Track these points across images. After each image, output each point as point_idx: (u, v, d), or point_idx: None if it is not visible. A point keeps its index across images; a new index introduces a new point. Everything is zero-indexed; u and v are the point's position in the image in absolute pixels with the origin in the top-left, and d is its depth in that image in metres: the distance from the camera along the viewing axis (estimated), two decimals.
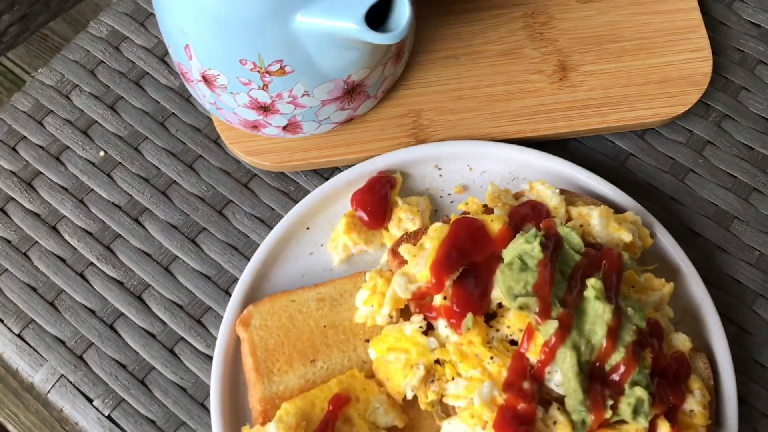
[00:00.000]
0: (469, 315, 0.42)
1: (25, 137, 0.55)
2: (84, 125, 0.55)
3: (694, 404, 0.42)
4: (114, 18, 0.59)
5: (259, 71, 0.44)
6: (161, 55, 0.58)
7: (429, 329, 0.44)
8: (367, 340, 0.45)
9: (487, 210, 0.47)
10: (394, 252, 0.46)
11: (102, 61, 0.58)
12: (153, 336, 0.50)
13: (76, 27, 1.27)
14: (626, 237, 0.45)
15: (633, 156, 0.53)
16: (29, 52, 1.25)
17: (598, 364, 0.40)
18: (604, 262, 0.43)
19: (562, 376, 0.39)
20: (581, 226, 0.45)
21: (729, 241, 0.50)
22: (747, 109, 0.54)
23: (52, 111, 0.56)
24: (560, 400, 0.40)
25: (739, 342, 0.48)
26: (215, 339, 0.48)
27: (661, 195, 0.52)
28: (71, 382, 0.49)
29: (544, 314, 0.40)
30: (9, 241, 0.51)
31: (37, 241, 0.52)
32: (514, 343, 0.42)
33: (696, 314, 0.46)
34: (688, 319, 0.46)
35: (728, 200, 0.51)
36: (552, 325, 0.39)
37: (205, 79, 0.47)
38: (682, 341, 0.43)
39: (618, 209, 0.47)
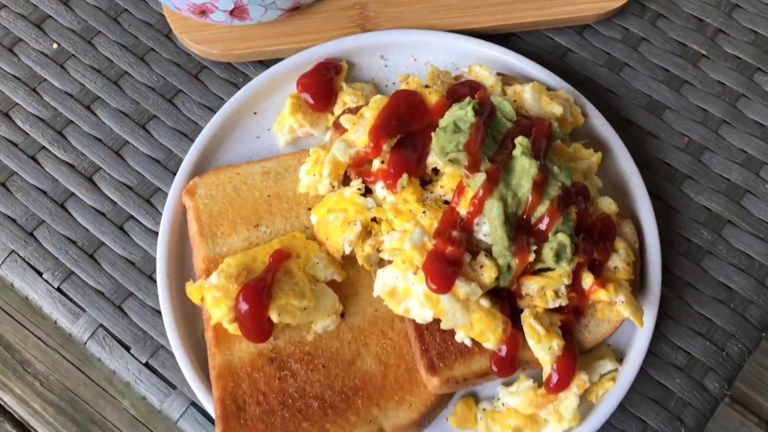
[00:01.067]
0: (405, 175, 0.44)
1: None
2: (37, 19, 0.56)
3: (618, 261, 0.44)
4: None
5: None
6: None
7: (367, 193, 0.46)
8: (309, 209, 0.47)
9: (427, 87, 0.48)
10: (337, 125, 0.48)
11: None
12: (103, 214, 0.51)
13: None
14: (557, 110, 0.47)
15: (571, 51, 0.55)
16: None
17: (524, 216, 0.42)
18: (534, 128, 0.45)
19: (489, 226, 0.41)
20: (515, 101, 0.47)
21: (660, 128, 0.53)
22: (680, 9, 0.56)
23: (5, 6, 0.57)
24: (488, 251, 0.42)
25: (667, 218, 0.50)
26: (162, 215, 0.50)
27: (597, 86, 0.54)
28: (21, 257, 0.51)
29: (473, 168, 0.42)
30: None
31: None
32: (446, 203, 0.44)
33: (625, 189, 0.49)
34: (618, 194, 0.48)
35: (661, 91, 0.54)
36: (480, 177, 0.41)
37: None
38: (608, 204, 0.45)
39: (552, 88, 0.50)
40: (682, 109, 0.54)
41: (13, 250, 0.50)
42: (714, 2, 0.57)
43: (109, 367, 0.49)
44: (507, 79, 0.50)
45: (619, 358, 0.45)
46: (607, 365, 0.44)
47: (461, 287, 0.40)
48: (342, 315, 0.46)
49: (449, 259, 0.40)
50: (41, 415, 1.07)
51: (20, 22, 0.56)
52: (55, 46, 0.55)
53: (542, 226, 0.42)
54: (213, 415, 0.45)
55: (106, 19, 0.56)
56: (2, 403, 1.07)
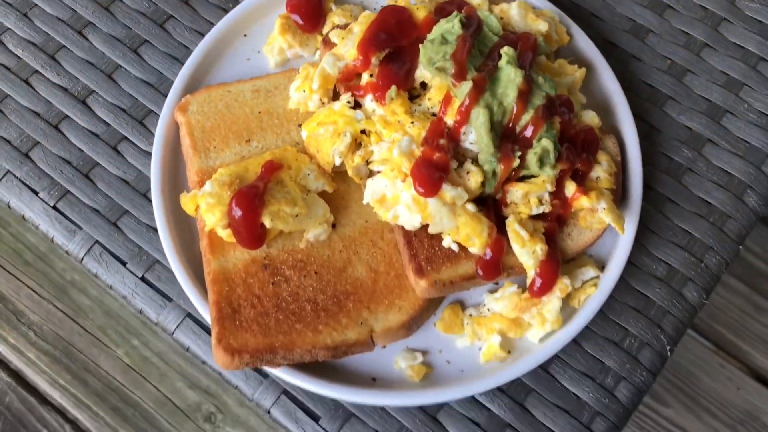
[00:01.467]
0: (393, 87, 0.45)
1: None
2: None
3: (600, 172, 0.46)
4: None
5: None
6: None
7: (356, 106, 0.47)
8: (300, 125, 0.48)
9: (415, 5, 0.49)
10: (326, 41, 0.49)
11: None
12: (97, 135, 0.52)
13: None
14: (543, 27, 0.48)
15: None
16: None
17: (510, 124, 0.44)
18: (520, 41, 0.46)
19: (476, 134, 0.43)
20: (501, 18, 0.48)
21: (644, 51, 0.54)
22: None
23: None
24: (475, 158, 0.44)
25: (649, 138, 0.52)
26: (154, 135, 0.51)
27: (583, 11, 0.55)
28: (17, 177, 0.52)
29: (460, 77, 0.43)
30: None
31: None
32: (434, 115, 0.45)
33: (608, 107, 0.50)
34: (602, 111, 0.50)
35: (645, 16, 0.55)
36: (466, 86, 0.43)
37: None
38: (591, 117, 0.47)
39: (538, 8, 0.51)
40: (665, 32, 0.56)
41: (8, 171, 0.52)
42: None
43: (106, 282, 0.51)
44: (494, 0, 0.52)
45: (601, 266, 0.47)
46: (590, 272, 0.46)
47: (448, 191, 0.41)
48: (333, 226, 0.48)
49: (436, 165, 0.42)
50: (36, 364, 1.09)
51: None
52: None
53: (527, 134, 0.43)
54: (209, 322, 0.47)
55: None
56: None
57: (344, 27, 0.49)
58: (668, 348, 0.51)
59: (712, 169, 0.52)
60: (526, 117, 0.43)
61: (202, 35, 0.55)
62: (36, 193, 0.52)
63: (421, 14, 0.47)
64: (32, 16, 0.55)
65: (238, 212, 0.43)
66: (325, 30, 0.52)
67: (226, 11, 0.56)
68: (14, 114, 0.53)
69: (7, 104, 0.53)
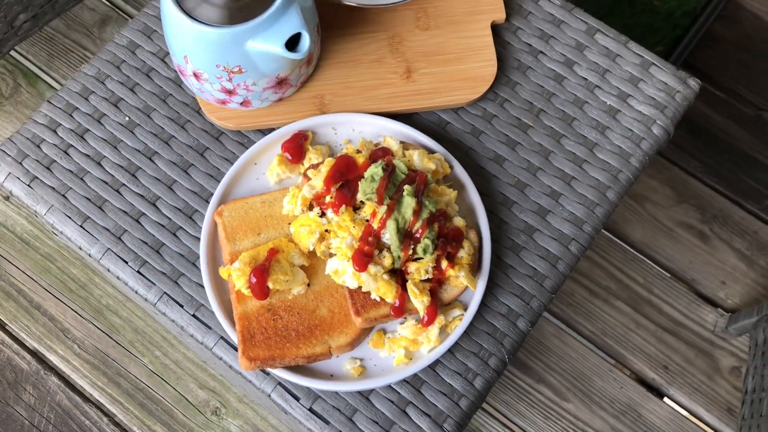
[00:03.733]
0: (344, 206, 0.75)
1: (77, 108, 0.86)
2: (115, 101, 0.86)
3: (464, 253, 0.75)
4: (131, 32, 0.89)
5: (226, 71, 0.76)
6: (162, 57, 0.89)
7: (323, 215, 0.77)
8: (290, 223, 0.79)
9: (359, 152, 0.80)
10: (305, 175, 0.79)
11: (124, 60, 0.88)
12: (163, 226, 0.78)
13: (71, 25, 1.55)
14: (432, 166, 0.78)
15: (450, 124, 0.85)
16: (35, 46, 1.54)
17: (409, 229, 0.74)
18: (417, 179, 0.77)
19: (390, 235, 0.73)
20: (408, 160, 0.79)
21: (500, 173, 0.83)
22: (518, 96, 0.87)
23: (93, 92, 0.87)
24: (389, 248, 0.74)
25: (500, 228, 0.78)
26: (200, 227, 0.80)
27: (463, 146, 0.79)
28: (114, 252, 0.79)
29: (380, 202, 0.73)
30: (87, 155, 0.80)
31: (89, 172, 0.82)
32: (367, 221, 0.76)
33: (473, 211, 0.76)
34: (469, 214, 0.75)
35: (502, 149, 0.83)
36: (383, 208, 0.73)
37: (195, 75, 0.78)
38: (459, 220, 0.76)
39: (433, 151, 0.82)
40: (515, 160, 0.85)
41: (108, 248, 0.80)
42: (539, 92, 0.89)
43: (170, 318, 0.81)
44: (406, 145, 0.81)
45: (465, 307, 0.78)
46: (457, 311, 0.75)
47: (372, 268, 0.71)
48: (309, 285, 0.78)
49: (366, 253, 0.72)
50: (79, 370, 1.36)
51: (104, 103, 0.86)
52: (127, 118, 0.86)
53: (417, 235, 0.73)
54: (235, 343, 0.76)
55: (159, 101, 0.86)
56: (49, 362, 1.36)
57: (316, 166, 0.79)
58: (507, 357, 0.81)
59: (538, 248, 0.80)
60: (417, 225, 0.73)
61: (229, 161, 0.78)
62: (126, 263, 0.79)
63: (360, 160, 0.77)
64: (120, 148, 0.84)
65: (254, 280, 0.73)
66: (305, 163, 0.83)
67: (244, 146, 0.83)
68: (111, 212, 0.80)
69: (107, 206, 0.81)
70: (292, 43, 0.70)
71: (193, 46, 0.70)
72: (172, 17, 0.72)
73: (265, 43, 0.68)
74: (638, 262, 1.39)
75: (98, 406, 1.35)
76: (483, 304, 0.74)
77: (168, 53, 0.83)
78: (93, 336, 1.37)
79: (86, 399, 1.35)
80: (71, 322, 1.38)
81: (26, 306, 1.34)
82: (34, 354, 1.32)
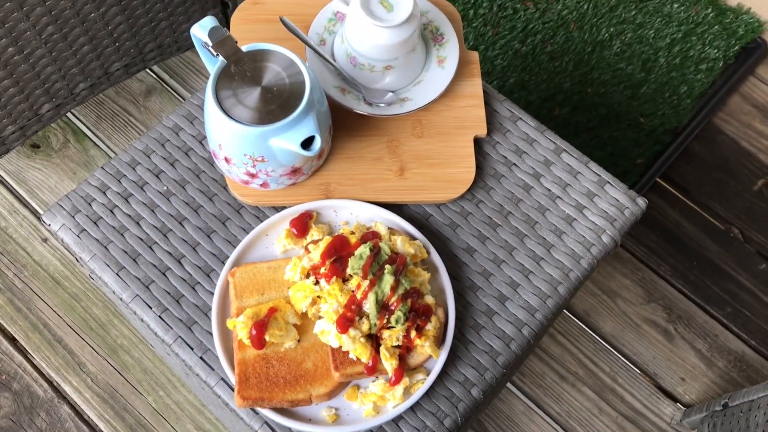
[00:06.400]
0: (335, 277, 0.90)
1: (125, 175, 1.04)
2: (157, 172, 1.03)
3: (431, 327, 0.87)
4: (177, 116, 1.07)
5: (252, 159, 0.92)
6: (200, 140, 1.06)
7: (317, 283, 0.92)
8: (289, 287, 0.94)
9: (352, 233, 0.96)
10: (306, 248, 0.95)
11: (168, 140, 1.05)
12: (184, 280, 0.96)
13: (119, 93, 1.76)
14: (411, 251, 0.93)
15: (432, 216, 0.99)
16: (86, 108, 1.74)
17: (386, 302, 0.89)
18: (398, 261, 0.92)
19: (369, 305, 0.88)
20: (393, 244, 0.95)
21: (470, 261, 0.96)
22: (492, 199, 1.03)
23: (140, 163, 1.04)
24: (367, 316, 0.89)
25: (465, 307, 0.93)
26: (215, 284, 0.96)
27: (441, 235, 0.95)
28: (142, 299, 0.96)
29: (365, 277, 0.88)
30: (129, 215, 0.97)
31: (128, 229, 0.99)
32: (352, 292, 0.91)
33: (443, 292, 0.91)
34: (438, 293, 0.91)
35: (473, 242, 0.99)
36: (366, 282, 0.88)
37: (225, 159, 0.95)
38: (429, 299, 0.91)
39: (414, 238, 0.97)
40: (484, 252, 0.97)
41: (137, 294, 0.95)
42: (509, 197, 1.05)
43: (181, 358, 0.95)
44: (393, 231, 0.95)
45: (428, 372, 0.91)
46: (420, 375, 0.88)
47: (352, 332, 0.85)
48: (299, 341, 0.93)
49: (349, 318, 0.85)
50: (89, 402, 1.49)
51: (148, 173, 1.04)
52: (165, 188, 1.03)
53: (393, 308, 0.87)
54: (233, 383, 0.90)
55: (193, 176, 1.03)
56: (63, 392, 1.49)
57: (316, 242, 0.95)
58: (460, 419, 0.93)
59: (495, 328, 0.92)
60: (393, 299, 0.87)
61: (245, 230, 0.96)
62: (150, 308, 0.92)
63: (353, 240, 0.93)
64: (157, 212, 0.98)
65: (254, 332, 0.87)
66: (308, 237, 0.99)
67: (259, 219, 1.00)
68: (143, 264, 0.93)
69: (140, 259, 0.94)
70: (307, 142, 0.87)
71: (227, 138, 0.88)
72: (212, 113, 0.90)
73: (285, 141, 0.85)
74: (606, 352, 1.51)
75: None
76: (444, 372, 0.84)
77: (205, 137, 1.00)
78: (105, 372, 1.49)
79: (92, 429, 1.46)
80: (88, 357, 1.51)
81: (50, 339, 1.48)
82: (51, 383, 1.42)
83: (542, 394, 1.52)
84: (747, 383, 1.55)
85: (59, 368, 1.41)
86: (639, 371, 1.43)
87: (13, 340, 1.41)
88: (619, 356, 1.45)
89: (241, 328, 0.79)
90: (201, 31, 0.89)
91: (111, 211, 0.92)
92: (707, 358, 1.56)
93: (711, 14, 1.90)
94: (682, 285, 1.62)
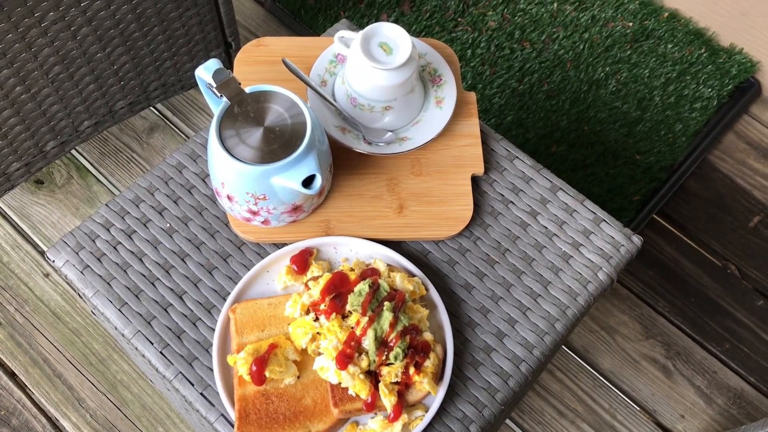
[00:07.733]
0: (334, 314, 0.91)
1: (128, 212, 1.06)
2: (160, 209, 1.05)
3: (429, 364, 0.89)
4: (180, 155, 1.10)
5: (254, 197, 0.95)
6: (203, 177, 1.08)
7: (317, 319, 0.93)
8: (289, 324, 0.95)
9: (352, 270, 0.98)
10: (306, 285, 0.96)
11: (171, 177, 1.07)
12: (186, 316, 0.97)
13: (123, 129, 1.79)
14: (410, 288, 0.95)
15: (431, 252, 1.01)
16: (90, 145, 1.77)
17: (385, 338, 0.90)
18: (397, 297, 0.94)
19: (369, 341, 0.89)
20: (392, 280, 0.96)
21: (468, 298, 0.99)
22: (490, 236, 1.05)
23: (143, 200, 1.06)
24: (366, 353, 0.90)
25: (463, 344, 0.96)
26: (216, 320, 0.97)
27: (440, 272, 0.99)
28: (144, 335, 0.98)
29: (364, 314, 0.90)
30: (132, 252, 1.00)
31: (131, 266, 1.01)
32: (352, 328, 0.92)
33: (442, 328, 0.94)
34: (437, 330, 0.94)
35: (471, 278, 1.01)
36: (365, 319, 0.90)
37: (228, 197, 0.97)
38: (428, 335, 0.93)
39: (413, 275, 0.99)
40: (482, 288, 0.99)
41: (139, 330, 0.97)
42: (506, 234, 1.07)
43: (182, 394, 0.96)
44: (392, 267, 0.97)
45: (426, 409, 0.92)
46: (419, 412, 0.90)
47: (351, 368, 0.86)
48: (298, 377, 0.94)
49: (348, 355, 0.87)
50: None
51: (151, 210, 1.06)
52: (168, 225, 1.05)
53: (392, 344, 0.89)
54: (233, 419, 0.91)
55: (196, 213, 1.05)
56: (62, 428, 1.49)
57: (316, 278, 0.97)
58: None
59: (493, 365, 0.94)
60: (392, 336, 0.89)
61: (247, 267, 0.99)
62: (152, 344, 0.94)
63: (352, 276, 0.95)
64: (159, 248, 1.02)
65: (254, 368, 0.88)
66: (308, 274, 1.00)
67: (260, 255, 1.03)
68: (145, 300, 0.96)
69: (142, 295, 0.97)
70: (309, 181, 0.89)
71: (230, 176, 0.90)
72: (216, 152, 0.92)
73: (287, 180, 0.87)
74: (605, 389, 1.51)
75: None
76: (442, 408, 0.86)
77: (208, 175, 1.02)
78: (105, 408, 1.50)
79: None
80: (87, 392, 1.51)
81: (49, 374, 1.49)
82: (50, 419, 1.42)
83: (541, 431, 1.51)
84: (746, 420, 1.55)
85: (58, 404, 1.41)
86: (638, 408, 1.43)
87: (12, 375, 1.41)
88: (618, 393, 1.45)
89: (241, 364, 0.80)
90: (206, 73, 0.92)
91: (114, 248, 0.93)
92: (706, 395, 1.56)
93: (705, 54, 1.95)
94: (681, 321, 1.63)
